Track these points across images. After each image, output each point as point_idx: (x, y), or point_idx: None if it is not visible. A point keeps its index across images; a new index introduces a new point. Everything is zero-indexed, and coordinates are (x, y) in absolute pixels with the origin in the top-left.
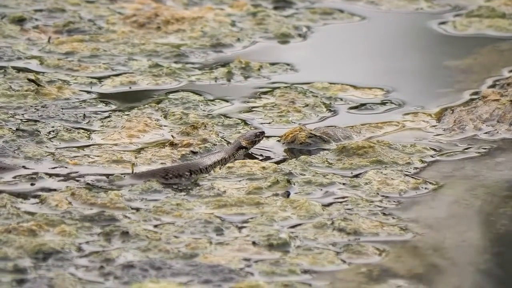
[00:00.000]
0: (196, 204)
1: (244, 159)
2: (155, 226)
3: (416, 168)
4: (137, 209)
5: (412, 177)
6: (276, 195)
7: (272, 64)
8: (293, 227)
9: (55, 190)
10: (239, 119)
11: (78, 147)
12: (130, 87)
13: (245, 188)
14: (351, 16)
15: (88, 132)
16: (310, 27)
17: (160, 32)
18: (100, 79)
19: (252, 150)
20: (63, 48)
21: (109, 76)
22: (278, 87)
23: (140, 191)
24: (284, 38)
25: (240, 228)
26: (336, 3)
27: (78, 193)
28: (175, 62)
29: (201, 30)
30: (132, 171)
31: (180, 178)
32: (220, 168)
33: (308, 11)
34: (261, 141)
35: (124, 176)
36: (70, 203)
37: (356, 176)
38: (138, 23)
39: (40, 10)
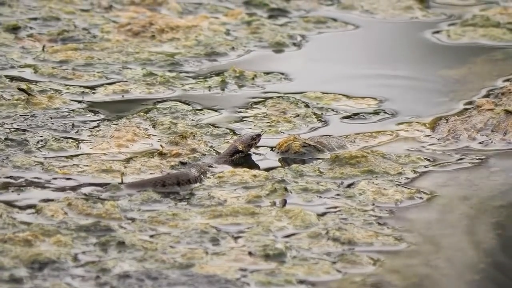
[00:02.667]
0: (192, 214)
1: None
2: (151, 236)
3: (407, 178)
4: (133, 219)
5: (405, 187)
6: (274, 203)
7: (267, 73)
8: (287, 236)
9: (52, 200)
10: (228, 128)
11: (67, 157)
12: (122, 96)
13: (244, 196)
14: (345, 25)
15: (77, 142)
16: (304, 36)
17: (154, 41)
18: (93, 87)
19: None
20: (57, 57)
21: (102, 85)
22: (271, 97)
23: (140, 201)
24: (278, 47)
25: (236, 238)
26: (331, 12)
27: (75, 203)
28: (169, 71)
29: (196, 39)
30: (122, 181)
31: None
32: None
33: (302, 20)
34: (258, 144)
35: (121, 186)
36: (65, 213)
37: (349, 186)
38: (132, 32)
39: (35, 19)
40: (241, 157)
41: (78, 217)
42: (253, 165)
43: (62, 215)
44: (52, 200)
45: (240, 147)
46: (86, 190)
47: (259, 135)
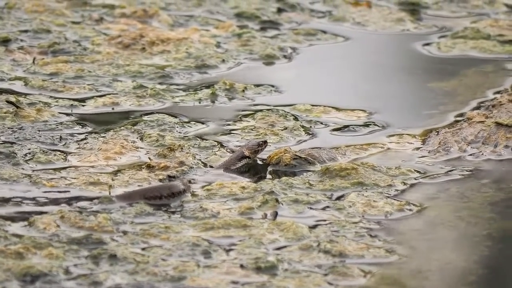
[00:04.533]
0: (184, 227)
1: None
2: (143, 249)
3: (397, 190)
4: (125, 232)
5: (395, 199)
6: (265, 215)
7: (257, 85)
8: (279, 249)
9: (44, 213)
10: (216, 141)
11: (55, 169)
12: (113, 108)
13: (236, 208)
14: (335, 37)
15: (65, 154)
16: (295, 48)
17: (145, 53)
18: (83, 100)
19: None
20: (47, 69)
21: (92, 97)
22: (261, 110)
23: (133, 214)
24: (269, 60)
25: (228, 251)
26: (323, 24)
27: (68, 216)
28: (160, 83)
29: (186, 51)
30: (110, 193)
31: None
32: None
33: (292, 32)
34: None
35: (113, 198)
36: (58, 226)
37: (338, 198)
38: (123, 44)
39: (26, 31)
40: (248, 163)
41: (70, 229)
42: (241, 177)
43: (54, 228)
44: (44, 213)
45: (246, 153)
46: (74, 202)
47: (265, 142)
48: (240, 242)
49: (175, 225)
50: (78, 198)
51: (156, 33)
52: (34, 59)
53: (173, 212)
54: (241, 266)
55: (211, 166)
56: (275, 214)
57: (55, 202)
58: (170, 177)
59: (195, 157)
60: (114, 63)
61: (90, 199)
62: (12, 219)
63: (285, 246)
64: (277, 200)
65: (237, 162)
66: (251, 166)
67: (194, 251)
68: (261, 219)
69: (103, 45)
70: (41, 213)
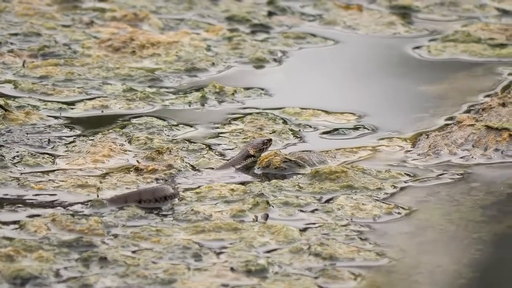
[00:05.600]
0: (175, 230)
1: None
2: (134, 252)
3: (386, 193)
4: (116, 235)
5: (383, 202)
6: (256, 218)
7: (247, 88)
8: (269, 251)
9: (35, 216)
10: (204, 144)
11: (43, 172)
12: (102, 111)
13: (228, 211)
14: (325, 40)
15: (53, 157)
16: (285, 52)
17: (135, 57)
18: (73, 103)
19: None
20: (37, 72)
21: (82, 100)
22: (251, 113)
23: (126, 217)
24: (259, 63)
25: (218, 253)
26: (314, 27)
27: (59, 219)
28: (149, 87)
29: (176, 55)
30: (97, 196)
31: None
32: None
33: (281, 36)
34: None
35: (104, 200)
36: (49, 229)
37: (327, 201)
38: (113, 47)
39: (16, 34)
40: (253, 162)
41: (61, 232)
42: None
43: (45, 231)
44: (34, 216)
45: (251, 152)
46: (64, 205)
47: (270, 140)
48: (230, 245)
49: (166, 228)
50: (67, 201)
51: (146, 36)
52: (24, 62)
53: (165, 215)
54: (232, 269)
55: (211, 168)
56: (266, 217)
57: (44, 205)
58: (164, 180)
59: (183, 160)
60: (104, 66)
61: (79, 202)
62: (2, 222)
63: (275, 249)
64: (268, 203)
65: (242, 161)
66: (241, 168)
67: (184, 254)
68: (252, 222)
69: (93, 48)
70: (30, 216)
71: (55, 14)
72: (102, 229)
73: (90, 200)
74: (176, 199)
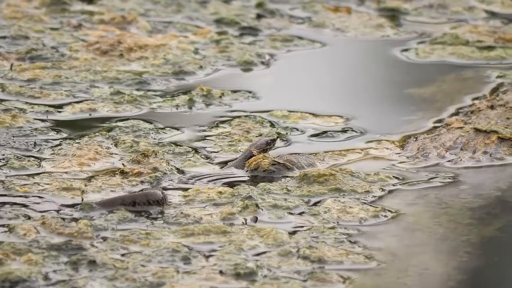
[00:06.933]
0: (165, 233)
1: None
2: (123, 255)
3: (374, 196)
4: (105, 238)
5: (370, 205)
6: (245, 221)
7: (234, 91)
8: (258, 255)
9: (29, 218)
10: (190, 147)
11: (28, 175)
12: (90, 114)
13: (217, 214)
14: (313, 43)
15: (39, 160)
16: (273, 55)
17: (122, 60)
18: (61, 106)
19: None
20: (25, 75)
21: (69, 103)
22: (238, 116)
23: (116, 220)
24: (247, 66)
25: (207, 257)
26: (303, 30)
27: (49, 222)
28: (137, 90)
29: (164, 58)
30: (82, 199)
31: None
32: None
33: (269, 39)
34: (272, 148)
35: (95, 205)
36: (38, 232)
37: (315, 204)
38: (101, 50)
39: (4, 37)
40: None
41: (50, 236)
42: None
43: (34, 234)
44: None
45: (255, 152)
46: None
47: (274, 140)
48: (220, 248)
49: (156, 231)
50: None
51: (134, 39)
52: (11, 65)
53: (155, 218)
54: (220, 272)
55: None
56: (256, 219)
57: (31, 207)
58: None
59: (169, 163)
60: (91, 69)
61: (66, 205)
62: None
63: (264, 252)
64: (257, 205)
65: (245, 162)
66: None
67: (173, 257)
68: (241, 225)
69: (81, 51)
70: (15, 218)
71: (43, 17)
72: (92, 232)
73: (79, 204)
74: (165, 203)
